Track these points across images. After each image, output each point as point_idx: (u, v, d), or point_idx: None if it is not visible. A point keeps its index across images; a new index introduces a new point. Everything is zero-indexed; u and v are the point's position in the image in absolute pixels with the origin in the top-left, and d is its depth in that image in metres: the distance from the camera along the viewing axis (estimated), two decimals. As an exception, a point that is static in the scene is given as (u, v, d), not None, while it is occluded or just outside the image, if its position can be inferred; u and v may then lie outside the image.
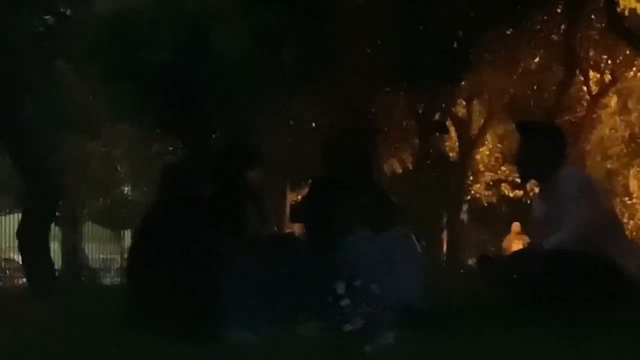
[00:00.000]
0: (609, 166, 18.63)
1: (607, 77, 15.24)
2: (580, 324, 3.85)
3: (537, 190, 5.32)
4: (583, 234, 4.33)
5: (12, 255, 18.22)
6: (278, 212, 13.94)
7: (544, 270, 4.23)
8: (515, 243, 12.53)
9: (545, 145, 4.61)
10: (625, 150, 18.38)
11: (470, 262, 16.23)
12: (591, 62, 14.70)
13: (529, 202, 17.21)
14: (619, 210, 17.62)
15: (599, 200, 4.63)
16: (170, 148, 13.47)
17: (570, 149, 4.97)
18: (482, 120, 16.34)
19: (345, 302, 4.35)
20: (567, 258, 4.22)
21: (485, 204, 20.72)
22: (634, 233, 17.97)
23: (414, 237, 4.78)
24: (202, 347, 3.96)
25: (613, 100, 16.87)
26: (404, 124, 14.90)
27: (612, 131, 17.90)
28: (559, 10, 12.47)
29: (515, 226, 13.48)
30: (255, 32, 9.86)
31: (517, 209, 18.83)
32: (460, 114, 16.03)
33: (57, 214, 10.27)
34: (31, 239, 8.12)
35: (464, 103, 15.85)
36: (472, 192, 19.41)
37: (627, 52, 13.59)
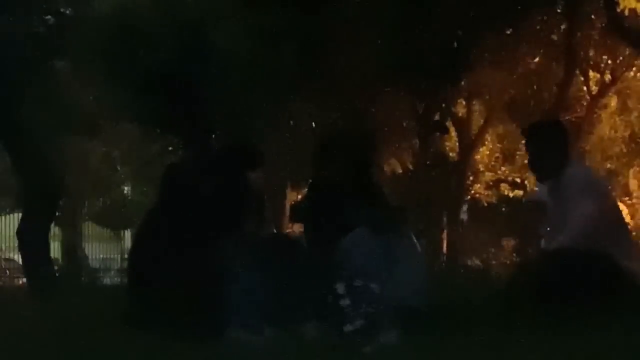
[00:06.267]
0: (609, 166, 18.60)
1: (607, 77, 15.23)
2: (582, 324, 3.84)
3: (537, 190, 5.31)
4: (588, 233, 4.32)
5: (12, 255, 18.23)
6: (278, 212, 13.94)
7: (548, 270, 4.23)
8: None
9: (553, 144, 4.61)
10: (625, 150, 18.36)
11: (470, 262, 16.22)
12: (591, 62, 14.69)
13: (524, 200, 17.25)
14: (618, 210, 17.54)
15: (605, 200, 4.62)
16: (170, 148, 13.45)
17: (571, 149, 4.95)
18: (482, 120, 16.33)
19: (345, 302, 4.35)
20: (570, 257, 4.22)
21: (485, 204, 20.72)
22: (634, 233, 17.96)
23: (413, 237, 4.78)
24: (203, 347, 3.96)
25: (613, 100, 16.86)
26: (404, 124, 14.88)
27: (612, 131, 17.88)
28: (559, 10, 12.46)
29: None
30: (255, 32, 9.84)
31: (517, 209, 18.84)
32: (460, 114, 16.03)
33: (57, 214, 10.26)
34: (31, 239, 8.12)
35: (464, 103, 15.85)
36: (472, 192, 19.41)
37: (627, 52, 13.58)
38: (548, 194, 4.73)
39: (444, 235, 15.89)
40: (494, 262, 15.78)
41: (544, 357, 3.56)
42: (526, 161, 5.07)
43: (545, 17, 12.36)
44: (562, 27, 12.90)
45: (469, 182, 17.93)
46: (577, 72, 14.31)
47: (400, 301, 4.37)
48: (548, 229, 4.85)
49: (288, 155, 13.12)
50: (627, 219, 17.68)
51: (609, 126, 17.68)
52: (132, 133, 14.26)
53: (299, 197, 14.83)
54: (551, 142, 4.63)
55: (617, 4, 10.96)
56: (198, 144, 10.74)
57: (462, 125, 16.09)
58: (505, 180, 20.07)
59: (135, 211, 18.83)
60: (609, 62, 14.72)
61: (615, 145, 18.28)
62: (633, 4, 11.04)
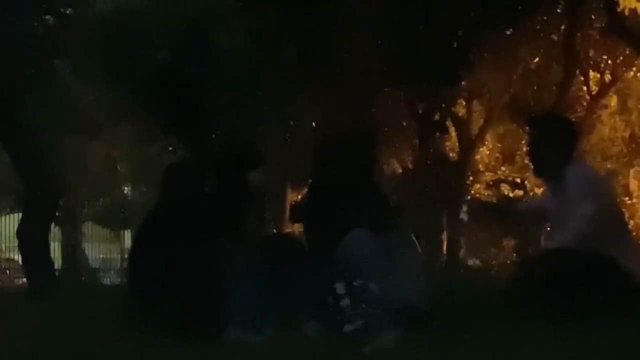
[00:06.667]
0: (609, 166, 18.59)
1: (607, 77, 15.23)
2: (582, 324, 3.85)
3: (537, 190, 5.31)
4: (588, 233, 4.31)
5: (12, 255, 18.23)
6: (278, 212, 13.92)
7: (548, 269, 4.23)
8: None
9: (560, 139, 4.59)
10: (625, 150, 18.35)
11: (471, 262, 16.22)
12: (591, 62, 14.69)
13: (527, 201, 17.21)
14: (619, 210, 17.52)
15: (606, 200, 4.60)
16: (170, 148, 13.46)
17: (576, 149, 4.91)
18: (482, 120, 16.33)
19: (345, 302, 4.35)
20: (570, 257, 4.22)
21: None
22: (634, 233, 17.96)
23: (413, 237, 4.78)
24: (203, 347, 3.96)
25: (613, 100, 16.85)
26: (404, 124, 14.88)
27: (612, 131, 17.88)
28: (559, 10, 12.46)
29: None
30: (255, 32, 9.86)
31: (517, 209, 18.78)
32: (460, 114, 16.02)
33: (57, 214, 10.26)
34: (31, 239, 8.12)
35: (464, 103, 15.84)
36: (472, 192, 19.40)
37: (627, 52, 13.58)
38: (548, 192, 4.72)
39: (444, 235, 15.88)
40: (494, 262, 15.78)
41: (544, 356, 3.56)
42: (526, 161, 5.05)
43: (545, 17, 12.36)
44: (562, 27, 12.90)
45: (469, 182, 17.91)
46: (577, 72, 14.31)
47: (399, 301, 4.37)
48: (548, 228, 4.85)
49: (288, 155, 13.11)
50: (627, 219, 17.68)
51: (609, 126, 17.67)
52: (132, 133, 14.25)
53: (299, 197, 14.82)
54: (558, 137, 4.59)
55: (617, 4, 10.97)
56: (198, 144, 10.76)
57: (462, 125, 16.07)
58: (505, 180, 20.06)
59: (135, 211, 18.81)
60: (609, 62, 14.72)
61: (615, 145, 18.27)
62: (633, 4, 11.04)
